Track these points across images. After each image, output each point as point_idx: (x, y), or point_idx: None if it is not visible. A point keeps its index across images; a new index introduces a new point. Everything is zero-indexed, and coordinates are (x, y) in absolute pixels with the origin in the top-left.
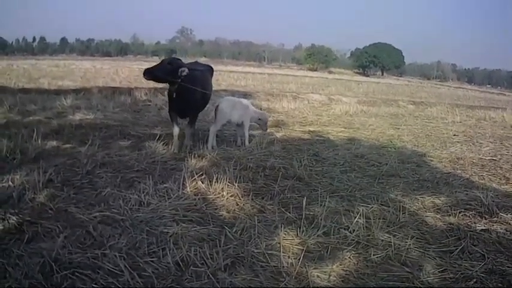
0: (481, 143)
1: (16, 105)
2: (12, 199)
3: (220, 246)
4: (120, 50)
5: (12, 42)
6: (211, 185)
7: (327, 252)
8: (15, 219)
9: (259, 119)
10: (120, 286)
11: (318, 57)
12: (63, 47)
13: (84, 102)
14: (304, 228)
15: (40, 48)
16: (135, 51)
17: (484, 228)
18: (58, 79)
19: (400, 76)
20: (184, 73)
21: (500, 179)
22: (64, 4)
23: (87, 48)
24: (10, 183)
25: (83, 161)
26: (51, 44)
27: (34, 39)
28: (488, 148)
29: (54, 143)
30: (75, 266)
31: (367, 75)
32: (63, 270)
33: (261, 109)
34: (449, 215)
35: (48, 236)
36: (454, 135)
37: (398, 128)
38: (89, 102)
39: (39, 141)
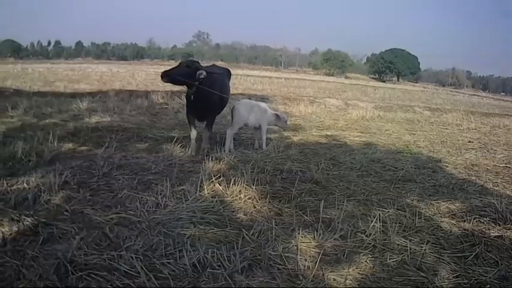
0: (495, 150)
1: (32, 108)
2: (27, 201)
3: (237, 249)
4: (136, 54)
5: (26, 46)
6: (228, 187)
7: (343, 255)
8: (30, 220)
9: (278, 117)
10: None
11: (334, 63)
12: (79, 51)
13: (100, 105)
14: (321, 231)
15: (55, 52)
16: (151, 55)
17: (498, 234)
18: (74, 82)
19: (416, 82)
20: (202, 76)
21: None
22: (79, 8)
23: (103, 52)
24: (25, 185)
25: (100, 163)
26: (66, 48)
27: (49, 43)
28: (502, 155)
29: (70, 145)
30: (91, 268)
31: (383, 81)
32: (78, 271)
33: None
34: (464, 221)
35: (63, 237)
36: (469, 141)
37: (414, 134)
38: (105, 105)
39: (55, 144)
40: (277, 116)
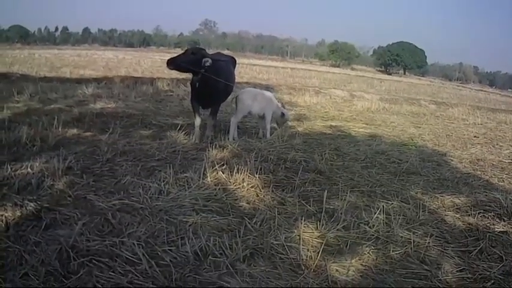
0: (501, 145)
1: (37, 93)
2: (31, 186)
3: (239, 237)
4: (142, 41)
5: (34, 32)
6: (231, 175)
7: (346, 246)
8: (33, 205)
9: (283, 115)
10: (137, 274)
11: (340, 54)
12: (86, 37)
13: (105, 91)
14: (324, 221)
15: (62, 38)
16: (157, 42)
17: (503, 230)
18: (80, 68)
19: (422, 76)
20: (207, 63)
21: None
22: None
23: (110, 39)
24: (29, 170)
25: (103, 149)
26: (73, 34)
27: (56, 29)
28: (508, 151)
29: (75, 130)
30: (93, 254)
31: (389, 74)
32: (80, 257)
33: (283, 105)
34: (469, 215)
35: (66, 223)
36: (475, 136)
37: (420, 127)
38: (110, 91)
39: (60, 129)
40: (282, 114)
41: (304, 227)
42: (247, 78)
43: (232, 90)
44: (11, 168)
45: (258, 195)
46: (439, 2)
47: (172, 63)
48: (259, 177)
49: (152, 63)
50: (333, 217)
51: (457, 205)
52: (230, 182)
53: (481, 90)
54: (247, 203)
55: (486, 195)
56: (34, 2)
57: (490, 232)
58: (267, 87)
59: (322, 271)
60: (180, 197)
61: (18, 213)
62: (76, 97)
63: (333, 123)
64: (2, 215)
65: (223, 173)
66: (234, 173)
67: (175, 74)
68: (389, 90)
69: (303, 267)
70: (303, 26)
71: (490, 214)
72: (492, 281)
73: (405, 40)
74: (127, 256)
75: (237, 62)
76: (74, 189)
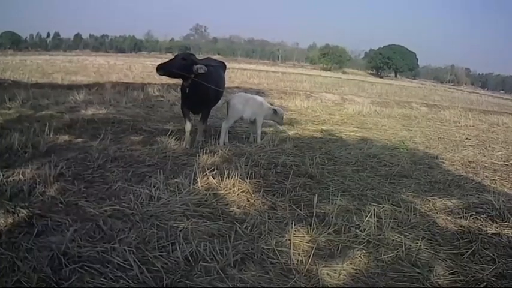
0: (493, 147)
1: (29, 99)
2: (23, 192)
3: (230, 242)
4: (134, 46)
5: (26, 38)
6: (222, 180)
7: (337, 250)
8: (25, 212)
9: (275, 112)
10: (128, 280)
11: (332, 58)
12: (77, 43)
13: (96, 97)
14: (314, 225)
15: (54, 44)
16: (149, 47)
17: (495, 232)
18: (71, 74)
19: (414, 79)
20: (201, 70)
21: None
22: (79, 0)
23: (101, 45)
24: (21, 176)
25: (95, 155)
26: (65, 40)
27: (48, 34)
28: (500, 153)
29: (66, 137)
30: (84, 260)
31: (381, 77)
32: (72, 264)
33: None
34: (461, 218)
35: (57, 229)
36: (467, 138)
37: (411, 130)
38: (101, 97)
39: (51, 135)
40: (274, 110)
41: (295, 231)
42: (238, 83)
43: (223, 95)
44: (3, 175)
45: (248, 200)
46: (431, 5)
47: (162, 69)
48: (249, 182)
49: (143, 68)
50: (324, 221)
51: (448, 208)
52: (221, 187)
53: (473, 92)
54: (238, 208)
55: (478, 197)
56: (26, 8)
57: (482, 234)
58: (258, 92)
59: (313, 275)
60: (171, 202)
61: (10, 220)
62: (67, 103)
63: (324, 127)
64: None
65: (213, 178)
66: (225, 178)
67: (166, 79)
68: (380, 94)
69: (294, 272)
70: (295, 30)
71: (482, 216)
72: (485, 283)
73: (396, 43)
74: (118, 262)
75: (227, 66)
76: (66, 195)
